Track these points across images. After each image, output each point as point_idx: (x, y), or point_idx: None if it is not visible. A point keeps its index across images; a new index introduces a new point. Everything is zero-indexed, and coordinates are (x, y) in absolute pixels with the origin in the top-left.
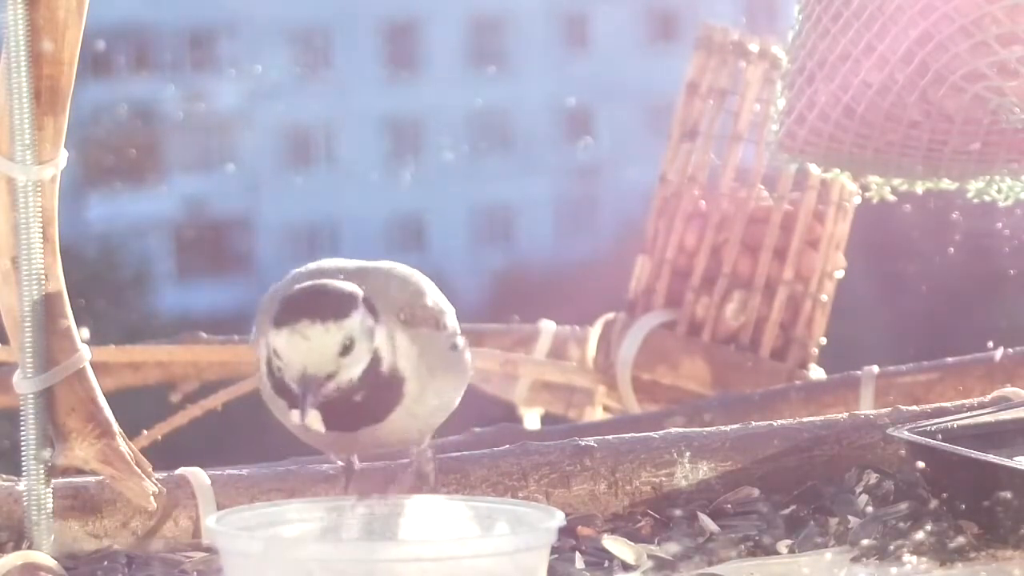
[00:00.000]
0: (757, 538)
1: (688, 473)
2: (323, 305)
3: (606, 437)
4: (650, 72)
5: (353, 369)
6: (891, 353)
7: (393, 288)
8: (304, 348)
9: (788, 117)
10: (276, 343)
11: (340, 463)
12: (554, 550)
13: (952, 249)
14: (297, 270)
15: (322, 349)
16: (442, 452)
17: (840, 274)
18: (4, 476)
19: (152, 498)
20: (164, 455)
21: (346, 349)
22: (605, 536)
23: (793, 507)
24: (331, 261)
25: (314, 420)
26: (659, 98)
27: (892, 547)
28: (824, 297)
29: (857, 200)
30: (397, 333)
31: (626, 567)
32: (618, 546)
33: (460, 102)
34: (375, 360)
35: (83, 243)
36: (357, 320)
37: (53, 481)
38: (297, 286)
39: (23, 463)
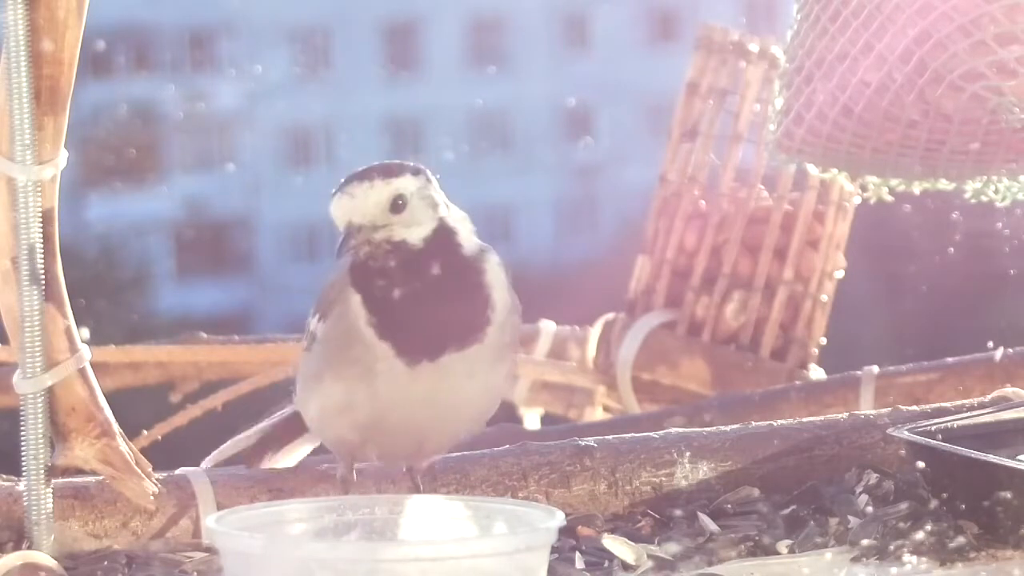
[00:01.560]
0: (757, 538)
1: (688, 473)
2: (371, 169)
3: (606, 437)
4: (650, 72)
5: (412, 231)
6: (891, 353)
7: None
8: (349, 205)
9: (786, 116)
10: (331, 212)
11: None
12: (554, 550)
13: (952, 249)
14: None
15: (366, 203)
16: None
17: (840, 274)
18: (4, 476)
19: (152, 498)
20: (164, 455)
21: (397, 206)
22: (605, 536)
23: (793, 507)
24: None
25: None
26: (659, 98)
27: (892, 547)
28: (824, 297)
29: (857, 200)
30: (490, 254)
31: (626, 567)
32: (618, 546)
33: (460, 102)
34: (453, 248)
35: (83, 243)
36: (409, 181)
37: (53, 481)
38: None
39: (23, 463)
